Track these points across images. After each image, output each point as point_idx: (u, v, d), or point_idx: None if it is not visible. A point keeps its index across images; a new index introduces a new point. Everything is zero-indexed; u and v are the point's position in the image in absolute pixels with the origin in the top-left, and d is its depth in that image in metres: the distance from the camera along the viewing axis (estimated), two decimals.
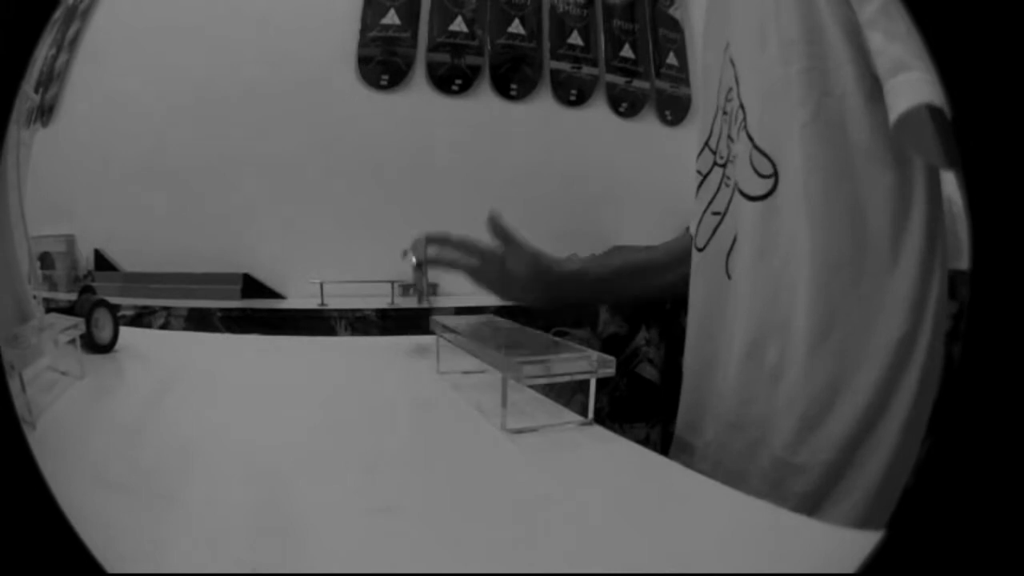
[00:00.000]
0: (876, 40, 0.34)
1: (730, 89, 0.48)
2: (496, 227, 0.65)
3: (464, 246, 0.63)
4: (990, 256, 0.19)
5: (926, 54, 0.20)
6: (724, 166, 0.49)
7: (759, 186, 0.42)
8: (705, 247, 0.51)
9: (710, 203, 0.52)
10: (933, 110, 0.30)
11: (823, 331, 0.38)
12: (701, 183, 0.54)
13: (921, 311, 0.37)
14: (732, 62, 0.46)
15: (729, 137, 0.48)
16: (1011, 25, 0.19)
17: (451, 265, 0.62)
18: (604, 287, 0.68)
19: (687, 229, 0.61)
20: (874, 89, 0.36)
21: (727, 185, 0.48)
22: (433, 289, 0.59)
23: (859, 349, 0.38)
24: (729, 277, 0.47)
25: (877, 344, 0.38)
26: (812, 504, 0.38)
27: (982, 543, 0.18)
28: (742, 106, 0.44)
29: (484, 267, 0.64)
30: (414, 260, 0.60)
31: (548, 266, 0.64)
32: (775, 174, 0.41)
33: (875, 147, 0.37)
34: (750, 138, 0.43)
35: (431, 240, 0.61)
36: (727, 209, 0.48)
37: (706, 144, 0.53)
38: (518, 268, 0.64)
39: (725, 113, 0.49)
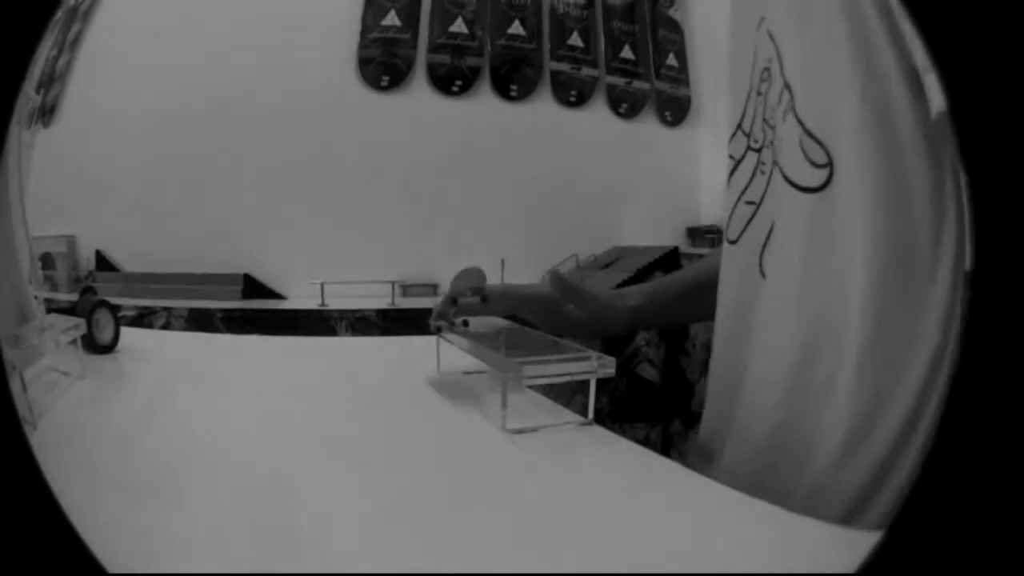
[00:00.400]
0: (909, 28, 0.31)
1: (765, 69, 0.43)
2: (559, 283, 0.58)
3: (513, 298, 0.58)
4: (991, 257, 0.19)
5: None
6: (759, 151, 0.45)
7: (813, 176, 0.38)
8: (738, 239, 0.46)
9: (744, 191, 0.46)
10: None
11: (873, 341, 0.35)
12: (733, 169, 0.48)
13: (951, 320, 0.35)
14: (771, 36, 0.41)
15: (765, 120, 0.44)
16: (1011, 26, 0.19)
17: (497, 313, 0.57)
18: (665, 317, 0.64)
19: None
20: (912, 77, 0.33)
21: (763, 172, 0.44)
22: (464, 323, 0.54)
23: (901, 361, 0.34)
24: (763, 275, 0.43)
25: (916, 355, 0.34)
26: (848, 519, 0.35)
27: (981, 543, 0.18)
28: (788, 86, 0.39)
29: (541, 314, 0.59)
30: (454, 296, 0.53)
31: (612, 310, 0.60)
32: (830, 164, 0.36)
33: (918, 141, 0.34)
34: (800, 122, 0.38)
35: (480, 292, 0.55)
36: (763, 198, 0.44)
37: (739, 126, 0.48)
38: (581, 315, 0.59)
39: (759, 93, 0.44)
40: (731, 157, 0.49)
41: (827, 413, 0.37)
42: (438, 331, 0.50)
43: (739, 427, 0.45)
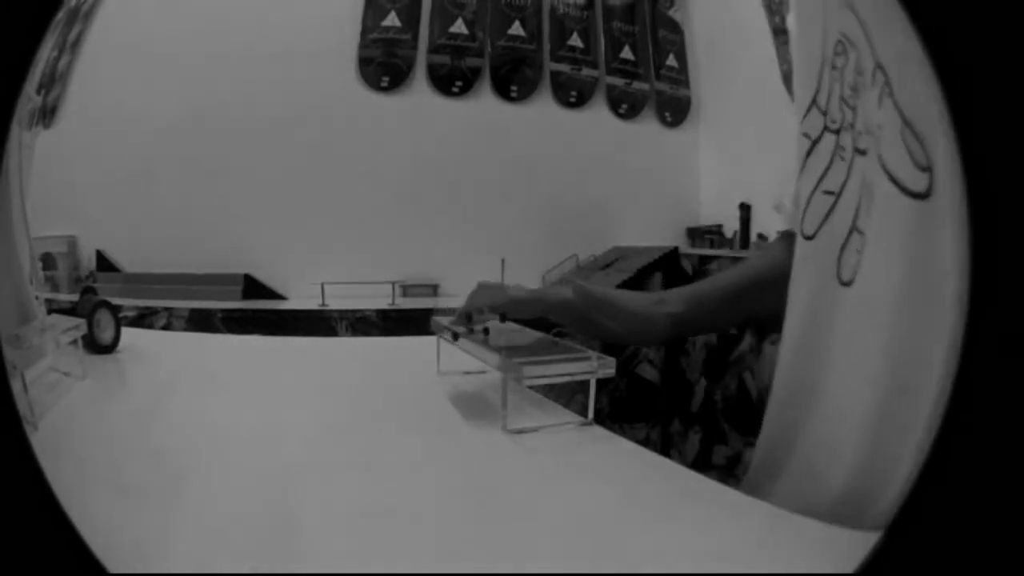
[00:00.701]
0: None
1: (839, 42, 0.38)
2: (585, 296, 0.53)
3: (542, 305, 0.53)
4: (990, 258, 0.19)
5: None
6: (838, 132, 0.39)
7: (917, 180, 0.32)
8: (815, 234, 0.40)
9: (822, 178, 0.40)
10: None
11: (945, 379, 0.28)
12: (809, 151, 0.42)
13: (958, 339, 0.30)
14: (852, 8, 0.36)
15: (844, 100, 0.38)
16: (1012, 28, 0.19)
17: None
18: (707, 325, 0.58)
19: (779, 234, 0.51)
20: None
21: (842, 158, 0.38)
22: (485, 331, 0.46)
23: (939, 395, 0.29)
24: (841, 280, 0.37)
25: (943, 380, 0.29)
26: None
27: (981, 543, 0.18)
28: (881, 67, 0.34)
29: (571, 321, 0.54)
30: (468, 312, 0.48)
31: (650, 322, 0.55)
32: (930, 168, 0.31)
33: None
34: (900, 112, 0.33)
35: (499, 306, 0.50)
36: (842, 189, 0.38)
37: (813, 102, 0.42)
38: (615, 326, 0.54)
39: (835, 68, 0.39)
40: (806, 136, 0.43)
41: (904, 454, 0.31)
42: (454, 337, 0.47)
43: (804, 458, 0.38)
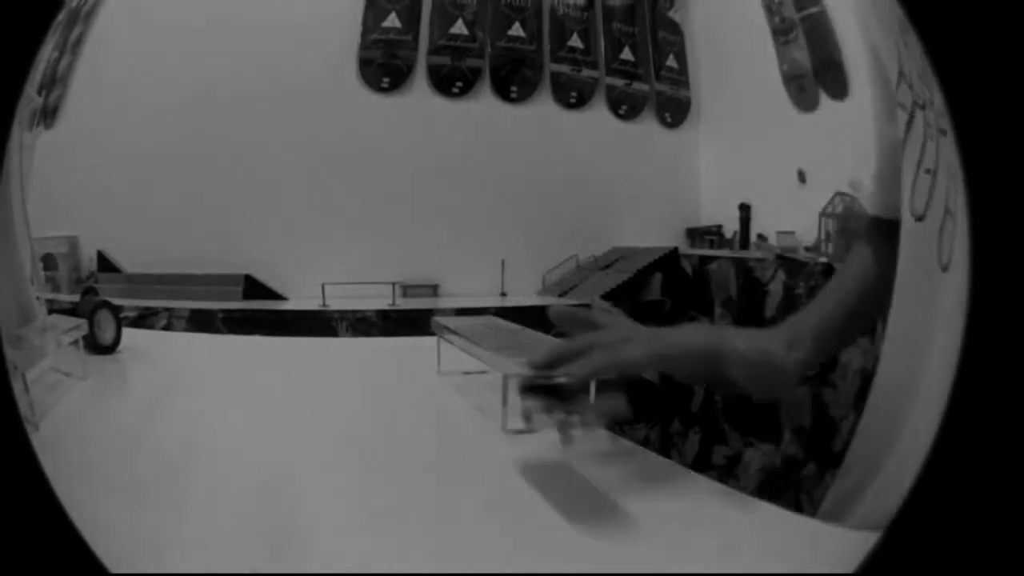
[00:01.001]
0: None
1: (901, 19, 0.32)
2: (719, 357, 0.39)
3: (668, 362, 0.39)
4: (990, 257, 0.19)
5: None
6: (924, 108, 0.37)
7: None
8: (925, 215, 0.37)
9: (921, 157, 0.38)
10: None
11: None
12: (909, 123, 0.39)
13: None
14: None
15: (919, 76, 0.36)
16: (1012, 30, 0.19)
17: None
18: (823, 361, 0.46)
19: (867, 236, 0.46)
20: None
21: (931, 138, 0.36)
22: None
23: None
24: (941, 265, 0.35)
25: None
26: None
27: (981, 543, 0.18)
28: None
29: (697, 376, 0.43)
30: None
31: (784, 375, 0.41)
32: None
33: None
34: None
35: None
36: (936, 167, 0.36)
37: (900, 72, 0.39)
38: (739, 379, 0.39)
39: (907, 46, 0.37)
40: (902, 107, 0.40)
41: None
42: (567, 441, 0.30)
43: (896, 469, 0.33)
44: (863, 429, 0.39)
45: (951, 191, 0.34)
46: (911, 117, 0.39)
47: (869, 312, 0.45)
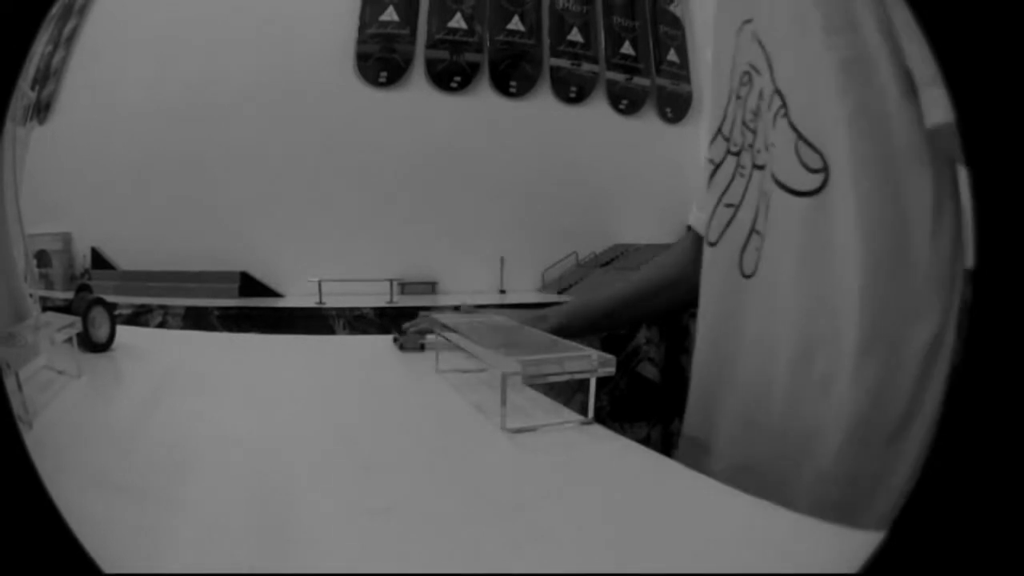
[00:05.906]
0: (912, 45, 0.33)
1: (746, 72, 0.45)
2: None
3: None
4: (994, 255, 0.19)
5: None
6: (738, 154, 0.47)
7: (807, 181, 0.39)
8: (718, 241, 0.49)
9: (723, 194, 0.48)
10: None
11: (871, 339, 0.37)
12: (713, 172, 0.50)
13: (948, 315, 0.36)
14: (760, 43, 0.43)
15: (744, 123, 0.46)
16: (1013, 31, 0.19)
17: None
18: (590, 330, 0.67)
19: (688, 228, 0.58)
20: (908, 86, 0.35)
21: (742, 175, 0.46)
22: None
23: (899, 356, 0.36)
24: (744, 274, 0.45)
25: (913, 349, 0.36)
26: (849, 513, 0.36)
27: (982, 543, 0.18)
28: (778, 91, 0.41)
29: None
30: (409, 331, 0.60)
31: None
32: (826, 169, 0.38)
33: (913, 144, 0.36)
34: (794, 128, 0.40)
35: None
36: (741, 201, 0.46)
37: (719, 131, 0.50)
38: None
39: (739, 97, 0.46)
40: (711, 161, 0.51)
41: (824, 410, 0.39)
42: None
43: (732, 423, 0.46)
44: (692, 389, 0.52)
45: (762, 214, 0.44)
46: (718, 166, 0.50)
47: (641, 304, 0.62)
